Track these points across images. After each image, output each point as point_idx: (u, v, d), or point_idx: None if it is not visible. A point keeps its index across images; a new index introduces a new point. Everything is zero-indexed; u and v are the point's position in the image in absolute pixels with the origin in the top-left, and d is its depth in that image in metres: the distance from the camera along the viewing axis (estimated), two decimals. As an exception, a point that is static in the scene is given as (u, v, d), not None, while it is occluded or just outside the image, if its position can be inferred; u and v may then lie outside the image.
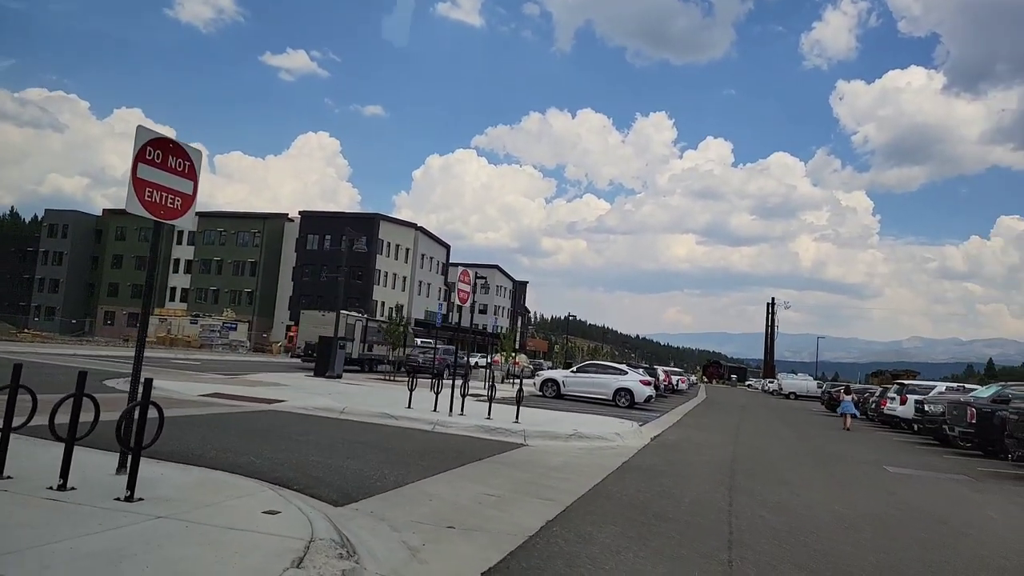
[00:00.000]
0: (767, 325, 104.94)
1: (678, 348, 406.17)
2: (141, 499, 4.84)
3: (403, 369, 30.46)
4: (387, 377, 27.95)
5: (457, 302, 15.93)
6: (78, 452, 5.15)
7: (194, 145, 6.22)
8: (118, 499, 4.80)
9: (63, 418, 4.96)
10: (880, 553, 5.87)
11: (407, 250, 76.66)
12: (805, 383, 59.35)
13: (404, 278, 76.52)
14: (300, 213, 75.09)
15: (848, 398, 24.27)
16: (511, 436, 11.62)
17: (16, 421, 5.17)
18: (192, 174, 6.20)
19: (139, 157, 5.66)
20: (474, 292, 16.49)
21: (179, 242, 75.57)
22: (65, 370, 17.84)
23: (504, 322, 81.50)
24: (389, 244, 73.47)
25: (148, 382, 5.27)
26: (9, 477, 5.05)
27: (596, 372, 24.37)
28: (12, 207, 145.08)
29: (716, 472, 10.08)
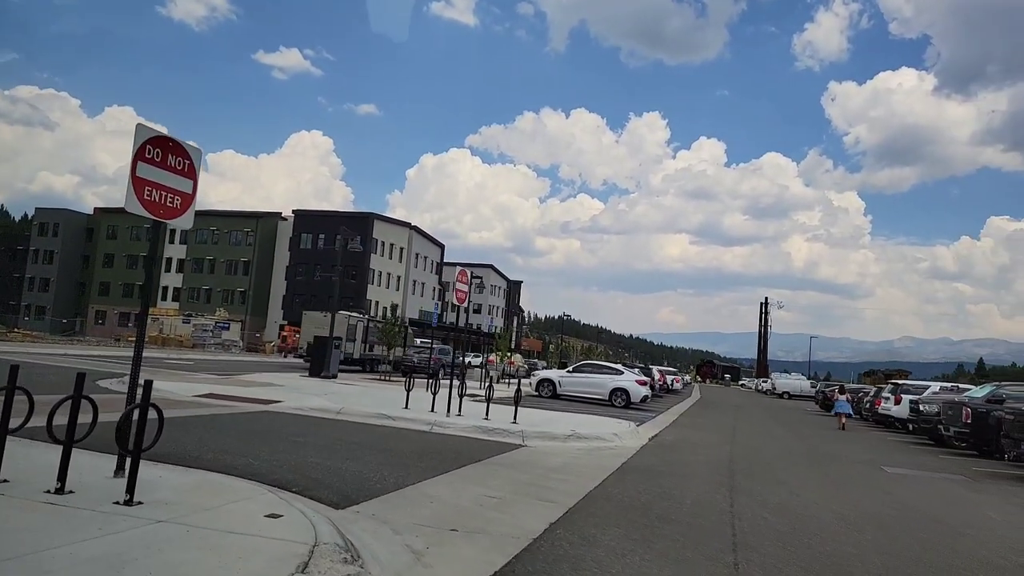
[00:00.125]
0: (760, 325, 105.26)
1: (672, 348, 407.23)
2: (140, 503, 4.77)
3: (399, 369, 30.36)
4: (383, 377, 27.84)
5: (454, 302, 15.87)
6: (74, 454, 5.06)
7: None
8: (117, 503, 4.73)
9: (59, 420, 4.89)
10: (883, 555, 5.87)
11: (401, 249, 76.54)
12: (799, 383, 59.48)
13: (398, 277, 76.40)
14: (294, 212, 74.85)
15: (843, 398, 24.32)
16: (509, 437, 11.58)
17: (13, 423, 5.09)
18: (192, 173, 6.12)
19: (138, 155, 5.57)
20: (470, 292, 16.44)
21: (171, 241, 75.03)
22: (56, 370, 17.68)
23: (499, 322, 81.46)
24: (383, 243, 73.34)
25: (148, 384, 5.19)
26: (5, 480, 4.96)
27: (592, 372, 24.32)
28: (2, 205, 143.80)
29: (715, 473, 10.07)
